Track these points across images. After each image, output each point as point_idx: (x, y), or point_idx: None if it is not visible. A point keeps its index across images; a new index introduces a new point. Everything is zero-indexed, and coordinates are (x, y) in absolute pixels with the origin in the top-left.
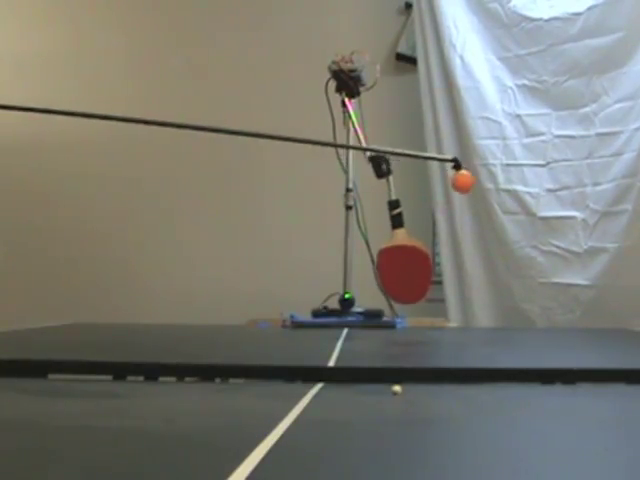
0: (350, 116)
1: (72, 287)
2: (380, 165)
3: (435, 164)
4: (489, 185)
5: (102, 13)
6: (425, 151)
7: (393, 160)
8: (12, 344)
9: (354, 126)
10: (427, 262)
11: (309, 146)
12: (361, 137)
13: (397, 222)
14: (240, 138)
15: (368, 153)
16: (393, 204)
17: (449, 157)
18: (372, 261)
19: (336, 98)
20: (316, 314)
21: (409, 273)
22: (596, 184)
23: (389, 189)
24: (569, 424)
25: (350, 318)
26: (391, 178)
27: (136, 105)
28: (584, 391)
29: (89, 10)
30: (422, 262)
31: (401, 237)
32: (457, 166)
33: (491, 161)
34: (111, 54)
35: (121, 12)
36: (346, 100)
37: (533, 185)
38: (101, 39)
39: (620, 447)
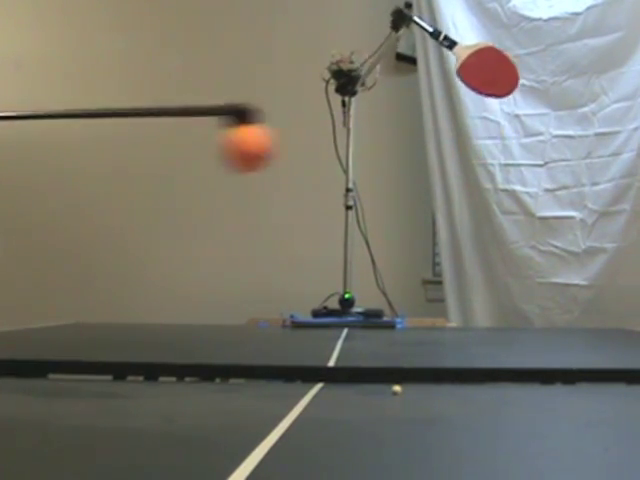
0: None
1: (72, 287)
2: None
3: (435, 164)
4: (488, 185)
5: (100, 13)
6: (425, 151)
7: None
8: (12, 344)
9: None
10: (498, 51)
11: (309, 147)
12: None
13: (451, 42)
14: None
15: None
16: (436, 33)
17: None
18: (372, 261)
19: (336, 98)
20: (316, 314)
21: (494, 70)
22: (594, 184)
23: (422, 27)
24: (569, 424)
25: (350, 318)
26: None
27: (134, 105)
28: (584, 391)
29: (88, 11)
30: (496, 53)
31: (464, 50)
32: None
33: (490, 161)
34: (109, 55)
35: (119, 13)
36: (346, 100)
37: (531, 185)
38: (100, 40)
39: (620, 447)
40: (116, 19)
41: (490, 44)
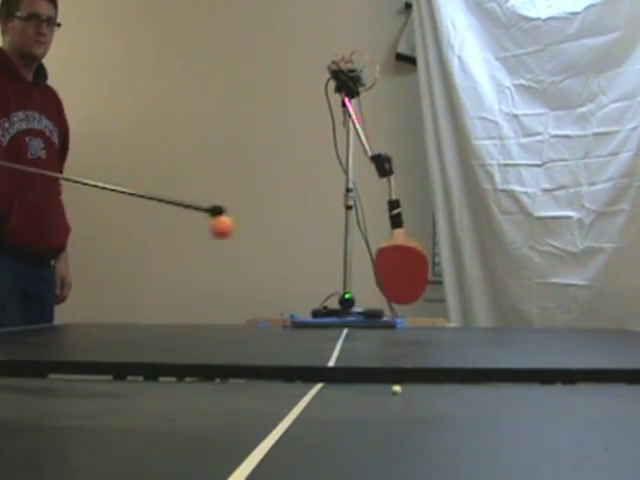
0: (350, 116)
1: (72, 287)
2: (383, 164)
3: (435, 164)
4: (486, 185)
5: (100, 14)
6: (425, 151)
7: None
8: (12, 344)
9: (355, 127)
10: (424, 262)
11: (309, 146)
12: (362, 137)
13: (396, 222)
14: (241, 140)
15: (370, 152)
16: (393, 204)
17: (208, 207)
18: (372, 261)
19: (336, 98)
20: (316, 314)
21: (406, 273)
22: (592, 184)
23: (390, 189)
24: (569, 424)
25: (350, 318)
26: (392, 178)
27: (134, 106)
28: (584, 391)
29: (87, 11)
30: (419, 262)
31: (400, 237)
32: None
33: (488, 161)
34: (108, 56)
35: (118, 14)
36: (346, 100)
37: (530, 185)
38: (98, 41)
39: (620, 447)
40: (116, 20)
41: (422, 253)
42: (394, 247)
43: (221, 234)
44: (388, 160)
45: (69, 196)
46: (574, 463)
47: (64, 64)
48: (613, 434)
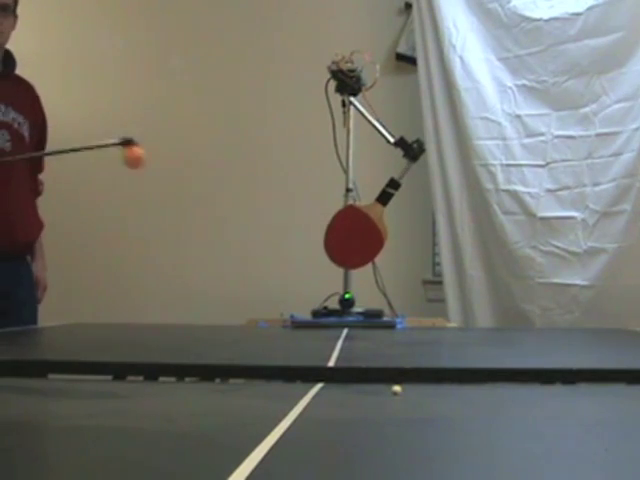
0: (360, 112)
1: (72, 287)
2: (410, 146)
3: (435, 164)
4: (489, 185)
5: (100, 13)
6: (426, 152)
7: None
8: (12, 344)
9: (371, 122)
10: (378, 245)
11: (309, 146)
12: (379, 127)
13: (384, 198)
14: (240, 140)
15: (392, 139)
16: (394, 183)
17: (117, 140)
18: (372, 261)
19: (336, 98)
20: (316, 314)
21: (357, 241)
22: (596, 184)
23: (403, 172)
24: (569, 424)
25: (350, 318)
26: (412, 165)
27: (133, 105)
28: (584, 391)
29: (87, 11)
30: (374, 242)
31: (375, 210)
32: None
33: (491, 161)
34: (109, 55)
35: (119, 13)
36: (352, 99)
37: (533, 185)
38: (98, 40)
39: (620, 447)
40: (116, 19)
41: (382, 236)
42: (364, 214)
43: (133, 162)
44: (417, 141)
45: (68, 195)
46: (574, 463)
47: (65, 62)
48: (613, 434)
